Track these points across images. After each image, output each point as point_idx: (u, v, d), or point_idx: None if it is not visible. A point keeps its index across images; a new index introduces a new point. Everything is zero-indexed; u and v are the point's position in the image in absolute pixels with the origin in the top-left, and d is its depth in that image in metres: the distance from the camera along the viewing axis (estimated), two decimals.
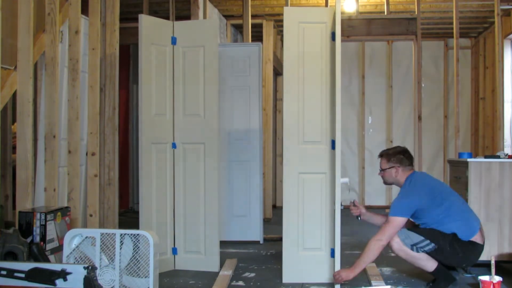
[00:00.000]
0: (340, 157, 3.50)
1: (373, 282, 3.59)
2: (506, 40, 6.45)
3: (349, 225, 4.94)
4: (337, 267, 3.36)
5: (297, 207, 3.73)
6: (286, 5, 5.63)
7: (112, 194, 4.26)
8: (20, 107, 3.42)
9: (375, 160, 8.01)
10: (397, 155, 3.57)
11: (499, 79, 5.70)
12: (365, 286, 3.45)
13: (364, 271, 3.98)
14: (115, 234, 2.94)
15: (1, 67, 3.22)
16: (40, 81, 3.83)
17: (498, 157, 4.04)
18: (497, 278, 3.33)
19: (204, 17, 5.57)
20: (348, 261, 3.76)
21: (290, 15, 3.78)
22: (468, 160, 3.96)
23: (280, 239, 3.84)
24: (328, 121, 3.71)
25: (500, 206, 3.91)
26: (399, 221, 3.38)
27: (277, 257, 4.23)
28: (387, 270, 4.05)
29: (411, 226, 3.56)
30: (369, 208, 7.73)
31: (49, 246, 3.14)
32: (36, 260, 2.86)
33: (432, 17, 6.84)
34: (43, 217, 3.12)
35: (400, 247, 3.39)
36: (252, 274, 3.87)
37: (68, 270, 2.55)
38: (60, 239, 3.20)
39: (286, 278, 3.70)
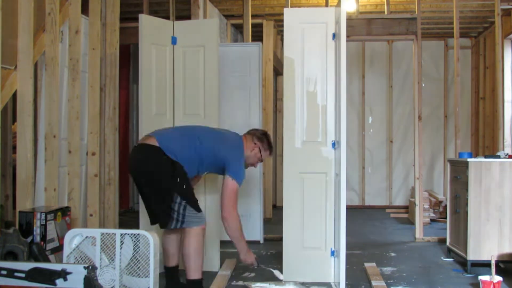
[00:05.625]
0: (345, 157, 3.42)
1: (373, 282, 3.59)
2: (506, 40, 6.45)
3: (349, 225, 4.92)
4: (342, 266, 3.35)
5: (297, 206, 3.73)
6: (286, 5, 5.63)
7: (112, 194, 4.26)
8: (20, 107, 3.42)
9: (375, 160, 8.04)
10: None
11: (499, 79, 5.70)
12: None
13: (364, 271, 3.98)
14: (115, 234, 2.94)
15: (1, 67, 3.22)
16: (40, 81, 3.83)
17: (498, 157, 4.04)
18: (497, 278, 3.34)
19: (205, 17, 5.57)
20: (348, 261, 3.75)
21: (290, 16, 3.79)
22: (468, 160, 3.96)
23: (281, 239, 3.84)
24: (329, 120, 3.71)
25: (500, 206, 3.91)
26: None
27: (277, 257, 4.23)
28: (387, 270, 4.06)
29: None
30: (369, 208, 7.84)
31: (49, 246, 3.14)
32: (36, 260, 2.86)
33: (432, 17, 6.84)
34: (43, 217, 3.12)
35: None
36: (252, 274, 3.87)
37: (68, 270, 2.55)
38: (60, 239, 3.20)
39: (286, 277, 3.71)
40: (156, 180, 3.17)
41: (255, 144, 3.49)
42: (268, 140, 3.55)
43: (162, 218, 3.21)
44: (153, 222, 3.32)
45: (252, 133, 3.57)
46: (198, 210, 3.24)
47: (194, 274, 3.18)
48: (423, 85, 7.49)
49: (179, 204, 3.15)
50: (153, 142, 3.22)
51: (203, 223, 3.23)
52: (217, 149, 3.32)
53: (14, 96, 3.48)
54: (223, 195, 3.27)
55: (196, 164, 3.31)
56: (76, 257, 2.94)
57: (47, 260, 2.95)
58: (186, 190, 3.21)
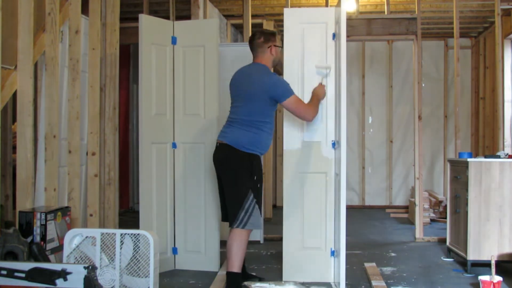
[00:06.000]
0: (345, 157, 3.39)
1: (373, 282, 3.59)
2: (506, 40, 6.45)
3: (349, 224, 4.94)
4: (342, 266, 3.34)
5: (297, 206, 3.73)
6: (286, 5, 5.63)
7: (112, 194, 4.26)
8: (20, 107, 3.42)
9: (375, 160, 8.04)
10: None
11: (499, 79, 5.70)
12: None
13: (364, 271, 3.99)
14: (115, 234, 2.94)
15: (1, 67, 3.22)
16: (40, 81, 3.83)
17: (498, 157, 4.04)
18: (497, 278, 3.34)
19: (204, 17, 5.57)
20: (348, 261, 3.75)
21: (290, 16, 3.80)
22: (468, 160, 3.96)
23: (281, 239, 3.84)
24: (329, 121, 3.71)
25: (500, 206, 3.91)
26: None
27: (277, 257, 4.23)
28: (387, 270, 4.06)
29: None
30: (369, 208, 7.84)
31: (49, 246, 3.14)
32: (36, 260, 2.86)
33: (432, 17, 6.83)
34: (43, 216, 3.12)
35: None
36: (252, 274, 3.87)
37: (68, 270, 2.55)
38: (60, 239, 3.20)
39: (287, 277, 3.71)
40: (235, 178, 3.33)
41: (269, 47, 3.51)
42: (267, 33, 3.54)
43: (231, 216, 3.34)
44: (224, 219, 3.52)
45: (256, 45, 3.53)
46: (260, 213, 3.38)
47: (233, 267, 3.31)
48: (423, 85, 7.50)
49: (250, 202, 3.28)
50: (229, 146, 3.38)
51: (255, 229, 3.37)
52: (254, 91, 3.38)
53: (14, 96, 3.48)
54: (295, 114, 3.46)
55: (259, 126, 3.39)
56: (76, 257, 2.94)
57: (47, 260, 2.95)
58: (260, 190, 3.39)
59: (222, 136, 3.44)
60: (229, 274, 3.32)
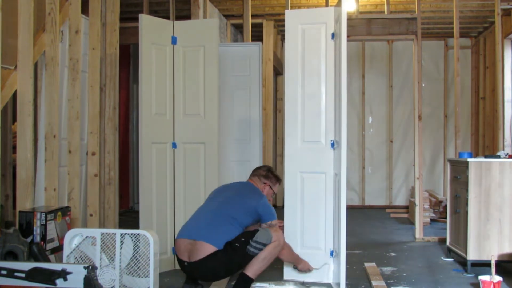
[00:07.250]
0: (346, 157, 3.38)
1: (373, 282, 3.59)
2: (506, 40, 6.44)
3: (349, 225, 4.95)
4: (342, 266, 3.34)
5: (297, 206, 3.74)
6: (286, 5, 5.63)
7: (112, 193, 4.27)
8: (20, 107, 3.42)
9: (375, 160, 8.04)
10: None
11: (499, 79, 5.70)
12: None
13: (364, 271, 3.99)
14: (115, 234, 2.94)
15: (1, 67, 3.22)
16: (40, 81, 3.83)
17: (498, 156, 4.04)
18: (497, 278, 3.34)
19: (205, 17, 5.57)
20: (348, 261, 3.75)
21: (291, 17, 3.81)
22: (468, 159, 3.96)
23: None
24: (328, 120, 3.71)
25: (500, 206, 3.91)
26: None
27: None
28: (387, 270, 4.06)
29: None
30: (369, 208, 7.84)
31: (49, 246, 3.14)
32: (36, 260, 2.86)
33: (432, 16, 6.84)
34: (43, 216, 3.12)
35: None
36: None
37: (68, 270, 2.55)
38: (61, 238, 3.21)
39: (287, 277, 3.71)
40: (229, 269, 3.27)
41: (264, 183, 3.59)
42: (273, 175, 3.64)
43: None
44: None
45: (257, 174, 3.63)
46: (255, 233, 3.26)
47: (250, 273, 3.25)
48: (423, 85, 7.49)
49: (254, 248, 3.19)
50: (205, 248, 3.18)
51: (272, 238, 3.26)
52: (243, 207, 3.37)
53: (14, 96, 3.48)
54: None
55: (238, 229, 3.33)
56: (76, 257, 2.94)
57: (47, 260, 2.95)
58: (245, 238, 3.24)
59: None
60: (243, 275, 3.26)
